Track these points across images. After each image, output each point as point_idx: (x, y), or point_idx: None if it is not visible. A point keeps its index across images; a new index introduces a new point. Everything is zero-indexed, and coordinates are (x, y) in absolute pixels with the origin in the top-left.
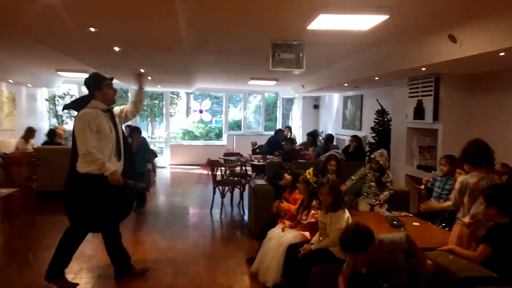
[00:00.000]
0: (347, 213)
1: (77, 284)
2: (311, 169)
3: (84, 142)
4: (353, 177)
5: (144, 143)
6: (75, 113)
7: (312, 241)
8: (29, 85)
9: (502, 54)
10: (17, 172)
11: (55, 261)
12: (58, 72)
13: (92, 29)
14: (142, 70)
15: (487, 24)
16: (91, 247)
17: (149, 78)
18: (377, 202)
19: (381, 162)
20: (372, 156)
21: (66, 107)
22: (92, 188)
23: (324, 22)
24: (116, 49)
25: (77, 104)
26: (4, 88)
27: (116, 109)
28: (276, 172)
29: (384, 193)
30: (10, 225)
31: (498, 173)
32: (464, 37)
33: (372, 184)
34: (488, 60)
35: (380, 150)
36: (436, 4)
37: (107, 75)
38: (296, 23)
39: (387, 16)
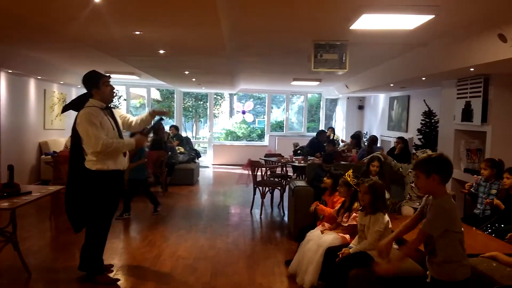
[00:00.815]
0: (387, 217)
1: (118, 280)
2: (351, 171)
3: (95, 139)
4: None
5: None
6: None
7: (351, 245)
8: (79, 86)
9: None
10: (65, 170)
11: (90, 260)
12: (107, 74)
13: (137, 32)
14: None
15: None
16: (134, 243)
17: (194, 79)
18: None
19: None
20: (414, 152)
21: (65, 108)
22: (102, 183)
23: (367, 22)
24: (161, 52)
25: (75, 105)
26: (56, 89)
27: (124, 114)
28: (316, 174)
29: None
30: (58, 221)
31: None
32: None
33: (413, 185)
34: None
35: (424, 149)
36: (485, 2)
37: (104, 73)
38: (339, 23)
39: (433, 16)
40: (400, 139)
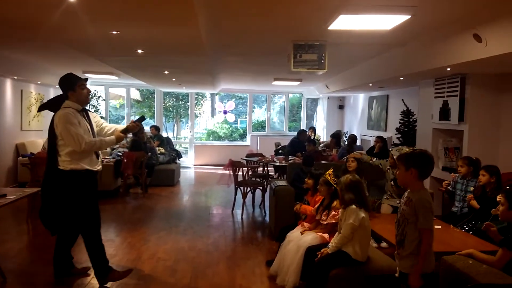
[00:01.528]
0: (362, 213)
1: (131, 270)
2: (331, 170)
3: (77, 138)
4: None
5: None
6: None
7: (330, 243)
8: (57, 86)
9: None
10: (43, 172)
11: (57, 262)
12: (85, 74)
13: (114, 32)
14: (139, 122)
15: None
16: (113, 246)
17: (174, 79)
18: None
19: (395, 157)
20: (390, 149)
21: (41, 108)
22: (76, 184)
23: (345, 23)
24: (139, 51)
25: (52, 105)
26: (33, 90)
27: (99, 120)
28: (297, 174)
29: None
30: (35, 224)
31: None
32: (490, 37)
33: (392, 183)
34: None
35: (400, 147)
36: (460, 3)
37: (81, 76)
38: (317, 24)
39: (409, 16)
40: (379, 138)
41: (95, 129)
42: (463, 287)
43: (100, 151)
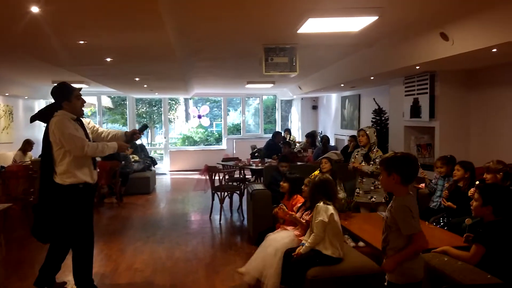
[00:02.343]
0: (330, 209)
1: (65, 283)
2: (317, 171)
3: (78, 142)
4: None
5: None
6: None
7: (303, 241)
8: (26, 97)
9: (494, 50)
10: (14, 185)
11: (45, 272)
12: (55, 84)
13: (81, 42)
14: (142, 132)
15: (478, 21)
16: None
17: (145, 86)
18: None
19: (367, 132)
20: (360, 128)
21: (33, 118)
22: (74, 199)
23: (313, 26)
24: (108, 59)
25: (44, 115)
26: (1, 102)
27: (94, 125)
28: (273, 177)
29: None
30: (8, 239)
31: (493, 170)
32: (456, 35)
33: (363, 164)
34: (481, 56)
35: (369, 126)
36: (426, 3)
37: (76, 86)
38: (287, 27)
39: (377, 17)
40: (353, 137)
41: (90, 135)
42: (439, 284)
43: (96, 162)
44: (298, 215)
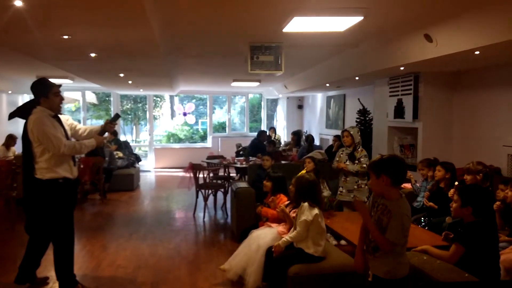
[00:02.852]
0: (316, 210)
1: (47, 278)
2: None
3: (55, 141)
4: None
5: None
6: None
7: (284, 238)
8: (10, 91)
9: (477, 53)
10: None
11: (24, 268)
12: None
13: (65, 37)
14: (114, 121)
15: (461, 24)
16: None
17: (130, 82)
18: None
19: (351, 132)
20: (344, 129)
21: (12, 115)
22: (54, 194)
23: (299, 25)
24: (92, 55)
25: (22, 111)
26: None
27: (72, 122)
28: (258, 175)
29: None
30: None
31: (473, 172)
32: (440, 37)
33: (346, 178)
34: (464, 58)
35: (353, 126)
36: (411, 4)
37: (60, 81)
38: (273, 26)
39: (362, 18)
40: (337, 137)
41: (69, 132)
42: (418, 282)
43: (76, 158)
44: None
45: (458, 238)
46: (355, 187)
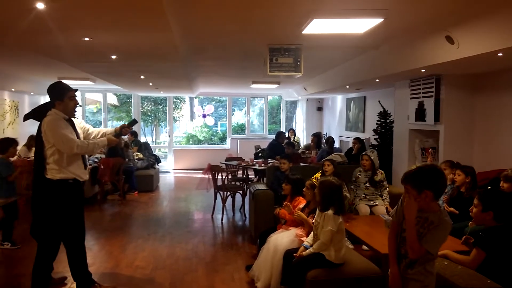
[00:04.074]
0: (340, 218)
1: (65, 278)
2: (319, 174)
3: (68, 142)
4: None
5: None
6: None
7: (305, 242)
8: (32, 93)
9: (500, 54)
10: (19, 180)
11: (37, 273)
12: (60, 80)
13: (86, 39)
14: (131, 126)
15: (483, 25)
16: (90, 254)
17: (150, 84)
18: (378, 204)
19: (372, 158)
20: (363, 153)
21: (26, 117)
22: (64, 194)
23: (318, 27)
24: (113, 57)
25: (37, 114)
26: (7, 97)
27: (84, 125)
28: (276, 177)
29: (384, 195)
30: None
31: (510, 179)
32: (461, 38)
33: (367, 185)
34: (486, 60)
35: (372, 149)
36: (432, 5)
37: (72, 87)
38: (293, 28)
39: (382, 19)
40: (357, 140)
41: (81, 136)
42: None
43: (87, 161)
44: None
45: (479, 242)
46: (375, 197)
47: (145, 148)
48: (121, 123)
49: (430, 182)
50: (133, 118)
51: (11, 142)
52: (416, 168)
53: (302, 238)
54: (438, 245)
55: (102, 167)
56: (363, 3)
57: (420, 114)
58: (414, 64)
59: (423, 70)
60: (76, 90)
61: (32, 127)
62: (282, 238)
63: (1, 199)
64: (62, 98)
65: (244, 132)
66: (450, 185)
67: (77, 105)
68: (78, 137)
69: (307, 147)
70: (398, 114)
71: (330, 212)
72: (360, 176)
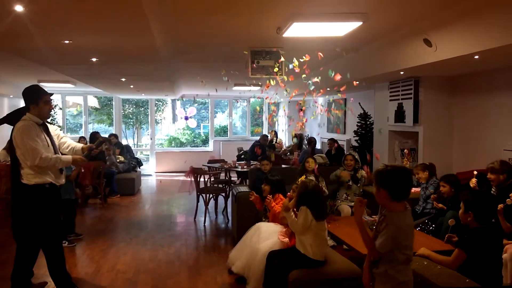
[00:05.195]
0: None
1: (45, 283)
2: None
3: (32, 152)
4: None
5: None
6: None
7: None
8: (11, 96)
9: (476, 57)
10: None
11: (16, 279)
12: (40, 83)
13: (66, 41)
14: (99, 147)
15: (460, 28)
16: (71, 259)
17: (131, 86)
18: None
19: (356, 157)
20: (347, 153)
21: (1, 121)
22: (41, 199)
23: (298, 30)
24: (94, 60)
25: (11, 118)
26: None
27: (60, 134)
28: (257, 176)
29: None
30: None
31: (497, 171)
32: (439, 41)
33: (350, 183)
34: (463, 63)
35: (354, 151)
36: (410, 9)
37: (47, 91)
38: (273, 31)
39: (361, 23)
40: (332, 140)
41: (57, 142)
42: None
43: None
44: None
45: (461, 244)
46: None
47: (126, 151)
48: (102, 126)
49: (386, 181)
50: (100, 139)
51: None
52: (383, 167)
53: (284, 240)
54: (385, 246)
55: (83, 170)
56: (342, 6)
57: (399, 115)
58: (393, 67)
59: (402, 73)
60: (52, 94)
61: (10, 130)
62: (264, 241)
63: None
64: (37, 102)
65: (227, 134)
66: (432, 185)
67: (52, 109)
68: (53, 143)
69: (289, 147)
70: (378, 116)
71: (303, 207)
72: (342, 176)
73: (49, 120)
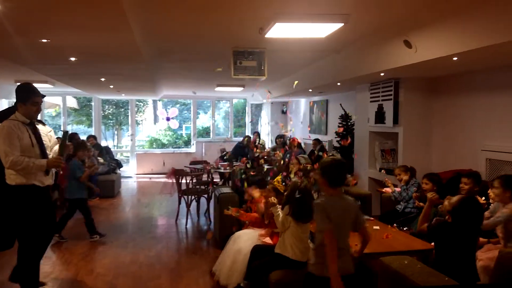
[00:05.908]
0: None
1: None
2: (279, 177)
3: (4, 155)
4: None
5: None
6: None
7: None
8: None
9: (455, 58)
10: None
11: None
12: (18, 83)
13: (44, 40)
14: (65, 139)
15: (440, 30)
16: (49, 262)
17: (111, 86)
18: None
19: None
20: (331, 154)
21: None
22: (23, 200)
23: (281, 31)
24: (72, 59)
25: (1, 117)
26: None
27: (52, 137)
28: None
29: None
30: None
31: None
32: (419, 43)
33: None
34: (442, 64)
35: (333, 153)
36: (391, 11)
37: (40, 93)
38: (256, 32)
39: (342, 24)
40: (316, 141)
41: (48, 144)
42: (398, 286)
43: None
44: (266, 220)
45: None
46: None
47: (106, 152)
48: (81, 127)
49: (323, 170)
50: (63, 131)
51: None
52: (327, 159)
53: (265, 240)
54: (318, 225)
55: (61, 172)
56: (324, 7)
57: (379, 116)
58: (373, 68)
59: (382, 74)
60: (44, 96)
61: None
62: (245, 242)
63: None
64: (25, 102)
65: (210, 135)
66: (413, 185)
67: (39, 111)
68: (39, 143)
69: (274, 149)
70: (358, 117)
71: (286, 208)
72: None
73: (43, 121)
